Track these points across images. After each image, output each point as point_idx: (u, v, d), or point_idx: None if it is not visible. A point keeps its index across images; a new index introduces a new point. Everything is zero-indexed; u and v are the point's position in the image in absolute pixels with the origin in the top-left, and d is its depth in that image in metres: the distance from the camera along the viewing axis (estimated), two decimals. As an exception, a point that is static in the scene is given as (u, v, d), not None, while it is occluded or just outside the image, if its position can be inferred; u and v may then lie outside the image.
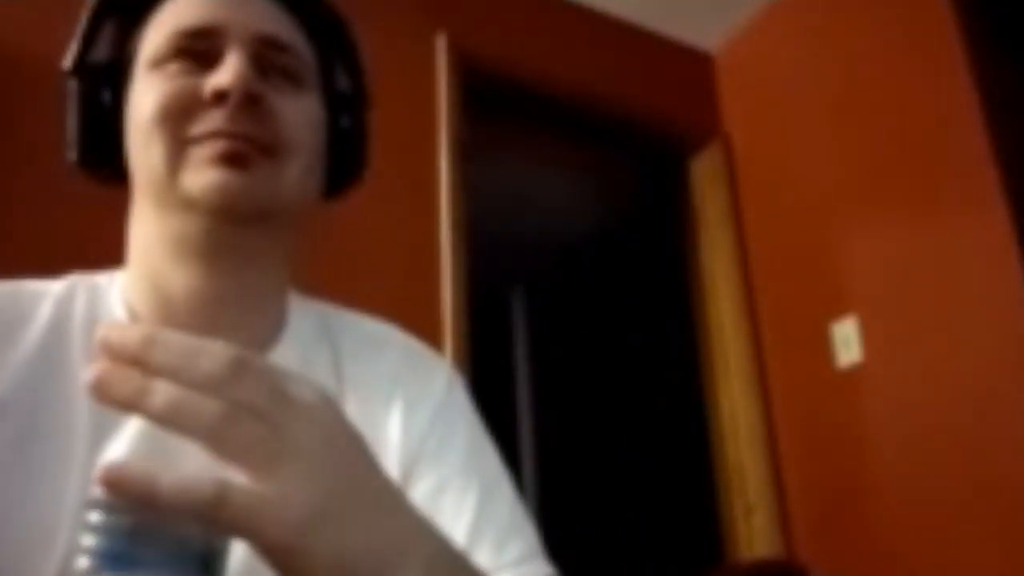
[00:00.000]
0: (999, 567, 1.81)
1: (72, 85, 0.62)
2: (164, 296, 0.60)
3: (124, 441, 0.35)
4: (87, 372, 0.34)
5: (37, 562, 0.49)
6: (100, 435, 0.53)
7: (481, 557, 0.59)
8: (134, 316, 0.60)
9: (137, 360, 0.35)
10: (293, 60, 0.62)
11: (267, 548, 0.35)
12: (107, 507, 0.33)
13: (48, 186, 1.57)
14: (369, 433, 0.42)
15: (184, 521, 0.33)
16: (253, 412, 0.35)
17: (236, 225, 0.58)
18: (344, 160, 0.69)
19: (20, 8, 1.75)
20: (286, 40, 0.62)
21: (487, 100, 2.43)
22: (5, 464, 0.52)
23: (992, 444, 1.88)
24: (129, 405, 0.34)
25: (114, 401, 0.34)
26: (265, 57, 0.60)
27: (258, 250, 0.61)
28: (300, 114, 0.61)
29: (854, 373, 2.23)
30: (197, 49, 0.59)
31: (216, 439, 0.34)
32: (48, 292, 0.61)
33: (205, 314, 0.59)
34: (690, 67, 2.88)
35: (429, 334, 0.77)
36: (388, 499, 0.41)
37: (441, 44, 2.32)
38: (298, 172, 0.60)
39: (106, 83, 0.62)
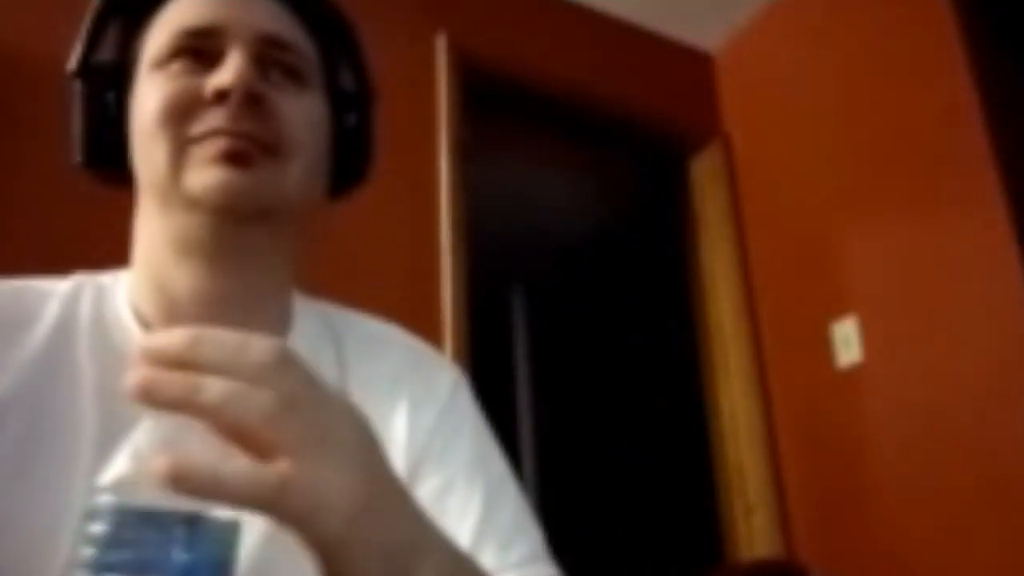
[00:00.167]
0: (999, 567, 1.81)
1: (76, 86, 0.63)
2: (168, 296, 0.60)
3: (134, 444, 0.35)
4: (129, 379, 0.34)
5: (40, 564, 0.49)
6: (106, 436, 0.53)
7: (486, 558, 0.59)
8: (139, 316, 0.60)
9: (184, 359, 0.35)
10: (296, 59, 0.62)
11: (319, 538, 0.35)
12: (114, 516, 0.33)
13: (50, 186, 1.57)
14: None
15: (191, 529, 0.33)
16: (301, 403, 0.35)
17: (239, 224, 0.58)
18: (349, 160, 0.69)
19: (20, 8, 1.75)
20: (288, 39, 0.62)
21: (487, 100, 2.43)
22: (9, 464, 0.52)
23: (992, 444, 1.88)
24: (181, 404, 0.34)
25: (164, 402, 0.34)
26: (267, 56, 0.60)
27: (261, 249, 0.61)
28: (302, 113, 0.61)
29: (854, 373, 2.23)
30: (199, 48, 0.59)
31: (273, 427, 0.34)
32: (54, 292, 0.61)
33: (209, 313, 0.59)
34: (690, 67, 2.88)
35: (429, 334, 0.77)
36: (407, 496, 0.42)
37: (441, 44, 2.32)
38: (300, 171, 0.60)
39: (110, 84, 0.62)
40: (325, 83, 0.66)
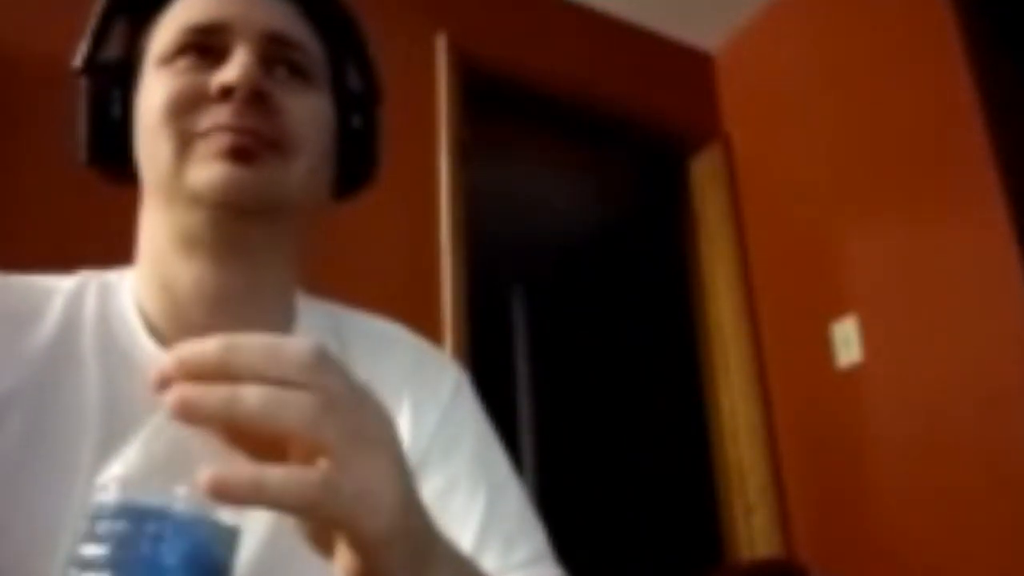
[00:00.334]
0: (999, 567, 1.81)
1: (82, 84, 0.62)
2: (172, 293, 0.59)
3: (139, 443, 0.35)
4: (166, 399, 0.34)
5: (40, 563, 0.49)
6: (109, 435, 0.53)
7: (489, 559, 0.59)
8: (143, 314, 0.60)
9: (219, 368, 0.34)
10: (302, 57, 0.62)
11: (363, 537, 0.35)
12: (116, 514, 0.32)
13: (52, 185, 1.57)
14: None
15: (193, 529, 0.33)
16: (339, 403, 0.35)
17: (242, 220, 0.58)
18: (355, 160, 0.69)
19: (20, 8, 1.75)
20: (294, 37, 0.62)
21: (487, 100, 2.43)
22: (11, 463, 0.52)
23: (992, 444, 1.88)
24: (221, 415, 0.34)
25: (204, 417, 0.34)
26: (273, 54, 0.60)
27: (265, 246, 0.61)
28: (307, 111, 0.61)
29: (854, 373, 2.23)
30: (205, 45, 0.59)
31: (315, 429, 0.34)
32: (59, 289, 0.61)
33: (213, 311, 0.59)
34: (690, 67, 2.88)
35: (429, 334, 0.76)
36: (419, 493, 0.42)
37: (441, 44, 2.32)
38: (304, 169, 0.60)
39: (116, 82, 0.62)
40: (332, 83, 0.66)
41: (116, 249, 0.66)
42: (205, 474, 0.32)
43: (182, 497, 0.33)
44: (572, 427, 3.69)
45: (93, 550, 0.32)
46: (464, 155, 2.26)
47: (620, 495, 3.28)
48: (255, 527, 0.54)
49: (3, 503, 0.51)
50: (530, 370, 4.08)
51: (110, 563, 0.32)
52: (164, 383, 0.35)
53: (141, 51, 0.62)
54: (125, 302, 0.61)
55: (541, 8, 2.62)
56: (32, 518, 0.51)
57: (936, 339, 2.03)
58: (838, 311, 2.29)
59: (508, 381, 4.04)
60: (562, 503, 3.52)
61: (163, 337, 0.59)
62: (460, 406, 0.69)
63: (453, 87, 2.28)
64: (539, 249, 3.79)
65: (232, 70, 0.57)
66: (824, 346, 2.31)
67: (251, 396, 0.34)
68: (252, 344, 0.35)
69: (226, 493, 0.32)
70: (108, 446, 0.53)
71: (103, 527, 0.33)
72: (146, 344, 0.59)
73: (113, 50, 0.63)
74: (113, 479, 0.33)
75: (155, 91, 0.59)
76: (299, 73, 0.62)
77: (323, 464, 0.35)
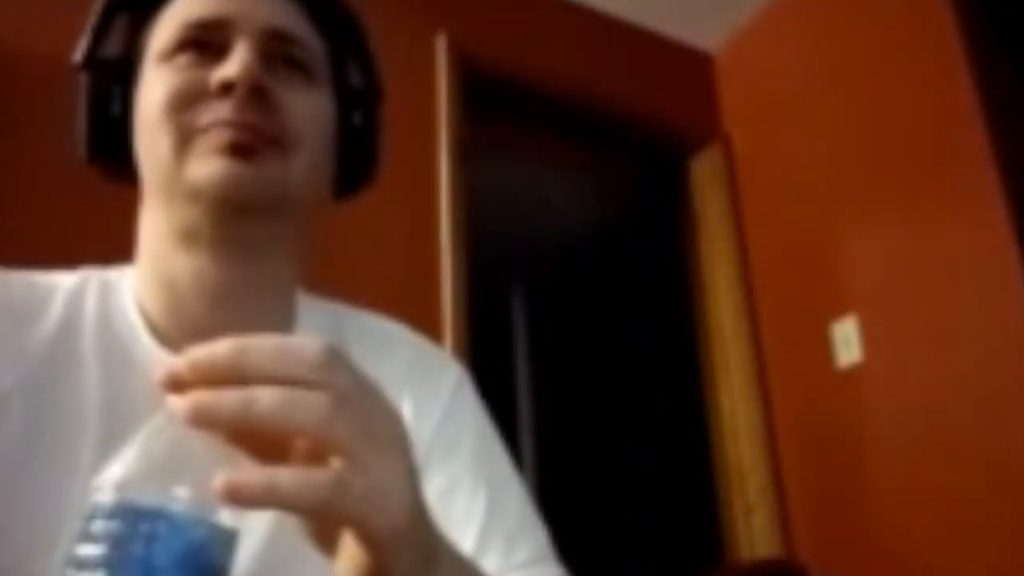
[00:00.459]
0: (999, 567, 1.81)
1: (82, 80, 0.62)
2: (172, 290, 0.59)
3: (138, 444, 0.35)
4: (178, 404, 0.34)
5: (40, 562, 0.49)
6: (109, 435, 0.53)
7: (491, 559, 0.59)
8: (144, 312, 0.60)
9: (230, 370, 0.34)
10: (302, 53, 0.62)
11: (376, 536, 0.35)
12: (114, 515, 0.32)
13: (52, 186, 1.57)
14: None
15: (192, 530, 0.33)
16: (352, 402, 0.35)
17: (242, 216, 0.57)
18: (355, 158, 0.69)
19: (21, 8, 1.75)
20: (295, 33, 0.62)
21: (487, 100, 2.43)
22: (11, 461, 0.52)
23: (992, 444, 1.88)
24: (236, 419, 0.34)
25: (219, 421, 0.34)
26: (274, 50, 0.60)
27: (265, 243, 0.60)
28: (308, 107, 0.61)
29: (854, 373, 2.23)
30: (206, 41, 0.59)
31: (328, 428, 0.34)
32: (60, 286, 0.61)
33: (214, 307, 0.59)
34: (690, 67, 2.88)
35: (429, 334, 0.76)
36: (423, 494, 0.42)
37: (441, 44, 2.32)
38: (305, 165, 0.60)
39: (116, 78, 0.62)
40: (333, 80, 0.66)
41: (117, 249, 0.66)
42: (218, 479, 0.32)
43: (179, 498, 0.33)
44: (572, 427, 3.69)
45: (88, 550, 0.32)
46: (464, 155, 2.26)
47: (620, 495, 3.28)
48: (255, 527, 0.54)
49: (3, 502, 0.51)
50: (530, 370, 4.08)
51: (104, 563, 0.32)
52: (173, 384, 0.35)
53: (141, 47, 0.62)
54: (126, 300, 0.61)
55: (541, 8, 2.62)
56: (32, 517, 0.51)
57: (936, 339, 2.03)
58: (838, 311, 2.29)
59: (508, 381, 4.04)
60: (562, 503, 3.52)
61: (163, 335, 0.59)
62: (461, 405, 0.69)
63: (453, 87, 2.28)
64: (539, 249, 3.79)
65: (232, 66, 0.57)
66: (824, 346, 2.31)
67: (265, 398, 0.34)
68: (263, 345, 0.35)
69: (239, 497, 0.32)
70: (108, 445, 0.52)
71: (98, 527, 0.32)
72: (146, 342, 0.58)
73: (113, 46, 0.62)
74: (111, 479, 0.33)
75: (155, 87, 0.58)
76: (300, 70, 0.61)
77: (335, 463, 0.35)
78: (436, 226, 2.14)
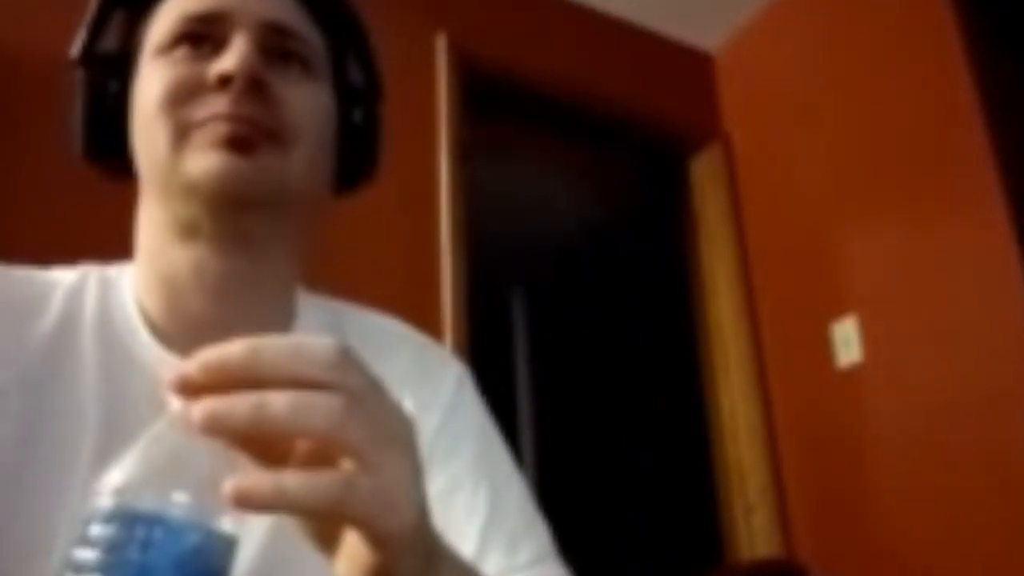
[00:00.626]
0: (999, 567, 1.81)
1: (79, 75, 0.62)
2: (171, 285, 0.59)
3: (140, 448, 0.34)
4: (192, 413, 0.33)
5: (38, 562, 0.48)
6: (107, 435, 0.53)
7: (493, 559, 0.59)
8: (143, 309, 0.60)
9: (244, 371, 0.34)
10: (301, 47, 0.61)
11: (381, 538, 0.35)
12: (114, 520, 0.32)
13: (52, 186, 1.57)
14: None
15: (192, 534, 0.33)
16: (363, 403, 0.35)
17: (240, 211, 0.57)
18: (355, 154, 0.68)
19: (20, 7, 1.75)
20: (293, 27, 0.61)
21: (487, 100, 2.43)
22: (8, 460, 0.51)
23: (992, 443, 1.88)
24: (249, 425, 0.33)
25: (234, 429, 0.33)
26: (272, 44, 0.59)
27: (264, 237, 0.60)
28: (306, 101, 0.60)
29: (854, 373, 2.23)
30: (203, 34, 0.58)
31: (340, 430, 0.34)
32: (60, 282, 0.60)
33: (213, 302, 0.58)
34: (690, 67, 2.88)
35: (429, 334, 0.76)
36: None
37: (441, 44, 2.32)
38: (303, 159, 0.59)
39: (113, 73, 0.61)
40: (333, 76, 0.65)
41: (118, 248, 0.65)
42: (226, 484, 0.32)
43: (178, 503, 0.33)
44: (572, 427, 3.69)
45: (84, 554, 0.32)
46: (464, 155, 2.26)
47: (620, 495, 3.28)
48: (254, 529, 0.54)
49: (0, 501, 0.50)
50: (530, 370, 4.08)
51: (99, 567, 0.32)
52: (183, 387, 0.34)
53: (138, 42, 0.61)
54: (125, 297, 0.60)
55: (541, 8, 2.62)
56: (30, 516, 0.50)
57: (936, 339, 2.03)
58: (838, 311, 2.29)
59: (508, 381, 4.04)
60: (562, 503, 3.52)
61: (162, 332, 0.58)
62: (462, 403, 0.68)
63: (453, 87, 2.28)
64: (539, 249, 3.79)
65: (230, 59, 0.56)
66: (824, 346, 2.31)
67: (277, 403, 0.33)
68: (276, 345, 0.35)
69: (247, 502, 0.32)
70: (106, 442, 0.52)
71: (95, 531, 0.32)
72: (145, 340, 0.58)
73: (110, 41, 0.62)
74: (110, 484, 0.33)
75: (151, 82, 0.58)
76: (299, 64, 0.61)
77: (344, 464, 0.35)
78: (436, 226, 2.14)
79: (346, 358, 0.36)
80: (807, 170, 2.49)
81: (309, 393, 0.34)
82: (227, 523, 0.34)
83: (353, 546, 0.36)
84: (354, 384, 0.35)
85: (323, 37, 0.65)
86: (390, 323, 0.72)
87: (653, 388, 3.22)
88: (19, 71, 1.67)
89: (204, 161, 0.55)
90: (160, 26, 0.60)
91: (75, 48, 0.61)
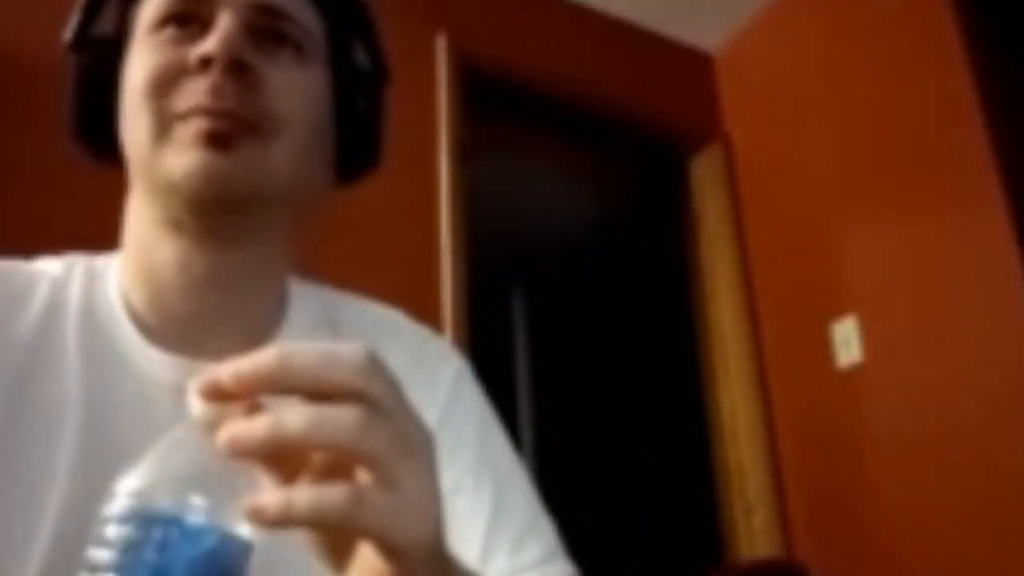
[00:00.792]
0: (999, 567, 1.81)
1: (72, 59, 0.61)
2: (157, 279, 0.58)
3: (157, 455, 0.34)
4: (219, 437, 0.34)
5: (17, 558, 0.48)
6: (89, 425, 0.52)
7: (499, 559, 0.58)
8: (127, 301, 0.59)
9: (274, 379, 0.34)
10: (292, 28, 0.58)
11: (398, 551, 0.34)
12: (124, 519, 0.32)
13: (52, 185, 1.57)
14: None
15: (206, 536, 0.33)
16: (385, 412, 0.35)
17: (222, 210, 0.55)
18: (355, 141, 0.66)
19: (20, 7, 1.75)
20: (284, 7, 0.58)
21: (487, 100, 2.43)
22: None
23: (992, 444, 1.88)
24: (267, 444, 0.33)
25: (253, 448, 0.34)
26: (260, 24, 0.57)
27: (251, 233, 0.58)
28: (295, 85, 0.57)
29: (854, 373, 2.23)
30: (190, 14, 0.56)
31: (359, 444, 0.34)
32: (45, 274, 0.59)
33: (198, 299, 0.58)
34: (690, 67, 2.88)
35: (429, 334, 0.76)
36: None
37: (441, 44, 2.32)
38: (290, 151, 0.57)
39: (105, 57, 0.60)
40: (331, 60, 0.63)
41: (114, 244, 0.65)
42: (244, 503, 0.33)
43: (195, 506, 0.33)
44: (572, 427, 3.69)
45: (100, 554, 0.32)
46: (464, 155, 2.26)
47: (620, 495, 3.28)
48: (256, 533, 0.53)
49: None
50: (530, 370, 4.08)
51: (114, 567, 0.32)
52: (212, 393, 0.34)
53: (131, 24, 0.60)
54: (110, 289, 0.59)
55: (541, 8, 2.62)
56: (8, 516, 0.49)
57: (936, 339, 2.03)
58: (838, 311, 2.29)
59: (508, 381, 4.04)
60: (562, 503, 3.52)
61: (146, 326, 0.58)
62: (462, 396, 0.67)
63: (453, 87, 2.28)
64: (539, 249, 3.79)
65: (211, 40, 0.54)
66: (824, 346, 2.31)
67: (293, 419, 0.33)
68: (306, 353, 0.34)
69: (259, 518, 0.33)
70: (88, 432, 0.52)
71: (112, 531, 0.32)
72: (129, 333, 0.57)
73: (104, 25, 0.60)
74: (128, 485, 0.33)
75: (137, 66, 0.57)
76: (289, 45, 0.58)
77: (361, 475, 0.35)
78: (436, 226, 2.14)
79: (374, 365, 0.35)
80: (807, 170, 2.49)
81: (326, 407, 0.34)
82: (243, 528, 0.34)
83: (367, 558, 0.36)
84: (378, 393, 0.35)
85: (322, 19, 0.62)
86: (388, 313, 0.71)
87: (653, 388, 3.22)
88: (18, 70, 1.67)
89: (184, 159, 0.53)
90: (149, 7, 0.58)
91: (68, 32, 0.60)
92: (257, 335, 0.60)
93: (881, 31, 2.31)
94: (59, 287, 0.58)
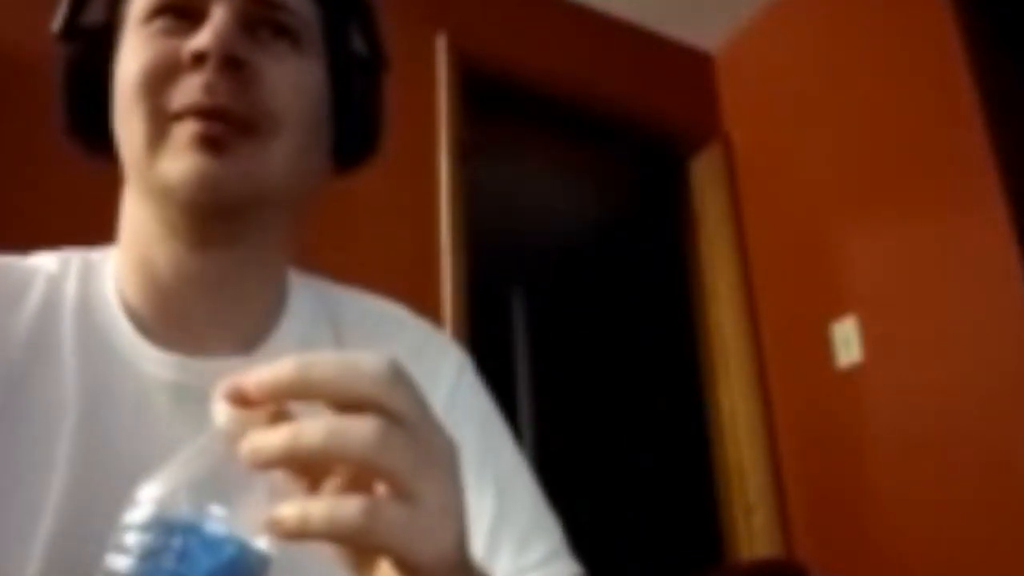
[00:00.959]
0: (999, 567, 1.81)
1: (61, 49, 0.59)
2: (153, 277, 0.57)
3: (179, 464, 0.34)
4: (241, 447, 0.34)
5: (16, 552, 0.47)
6: (86, 423, 0.52)
7: (504, 560, 0.57)
8: (124, 298, 0.58)
9: (295, 388, 0.34)
10: (288, 18, 0.57)
11: (418, 568, 0.34)
12: (144, 527, 0.32)
13: (51, 185, 1.57)
14: None
15: (225, 545, 0.33)
16: (404, 425, 0.34)
17: (217, 215, 0.55)
18: (353, 130, 0.64)
19: (20, 7, 1.75)
20: None
21: (487, 100, 2.43)
22: None
23: (992, 444, 1.88)
24: (285, 456, 0.33)
25: (271, 460, 0.33)
26: (255, 15, 0.55)
27: (247, 235, 0.58)
28: (292, 77, 0.56)
29: (854, 373, 2.23)
30: (183, 6, 0.55)
31: (377, 457, 0.33)
32: (41, 269, 0.59)
33: (192, 298, 0.57)
34: (690, 67, 2.88)
35: (429, 334, 0.76)
36: None
37: (441, 44, 2.32)
38: (287, 149, 0.55)
39: (96, 47, 0.58)
40: (328, 50, 0.61)
41: (108, 238, 0.64)
42: (270, 519, 0.33)
43: (215, 516, 0.33)
44: (572, 427, 3.69)
45: (119, 561, 0.32)
46: (464, 155, 2.26)
47: (620, 495, 3.28)
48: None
49: None
50: (530, 370, 4.08)
51: (133, 574, 0.32)
52: (238, 399, 0.34)
53: (122, 14, 0.58)
54: (107, 285, 0.59)
55: (541, 8, 2.62)
56: (10, 502, 0.49)
57: (936, 339, 2.03)
58: (838, 311, 2.29)
59: (508, 381, 4.04)
60: (562, 503, 3.52)
61: (143, 323, 0.57)
62: (464, 392, 0.66)
63: (453, 87, 2.28)
64: (539, 249, 3.79)
65: (205, 34, 0.52)
66: (824, 346, 2.31)
67: (311, 432, 0.33)
68: (326, 363, 0.34)
69: (277, 531, 0.33)
70: (85, 429, 0.51)
71: (131, 539, 0.32)
72: (126, 330, 0.56)
73: (94, 14, 0.59)
74: (150, 493, 0.33)
75: (129, 59, 0.55)
76: (286, 37, 0.56)
77: (379, 489, 0.34)
78: (436, 226, 2.14)
79: (396, 376, 0.35)
80: (807, 170, 2.49)
81: (345, 419, 0.34)
82: (263, 541, 0.34)
83: (389, 572, 0.35)
84: (399, 405, 0.34)
85: (318, 6, 0.61)
86: (389, 308, 0.70)
87: (653, 388, 3.22)
88: (18, 70, 1.67)
89: (178, 164, 0.52)
90: None
91: (57, 21, 0.59)
92: (256, 332, 0.60)
93: (881, 31, 2.31)
94: (55, 283, 0.58)
